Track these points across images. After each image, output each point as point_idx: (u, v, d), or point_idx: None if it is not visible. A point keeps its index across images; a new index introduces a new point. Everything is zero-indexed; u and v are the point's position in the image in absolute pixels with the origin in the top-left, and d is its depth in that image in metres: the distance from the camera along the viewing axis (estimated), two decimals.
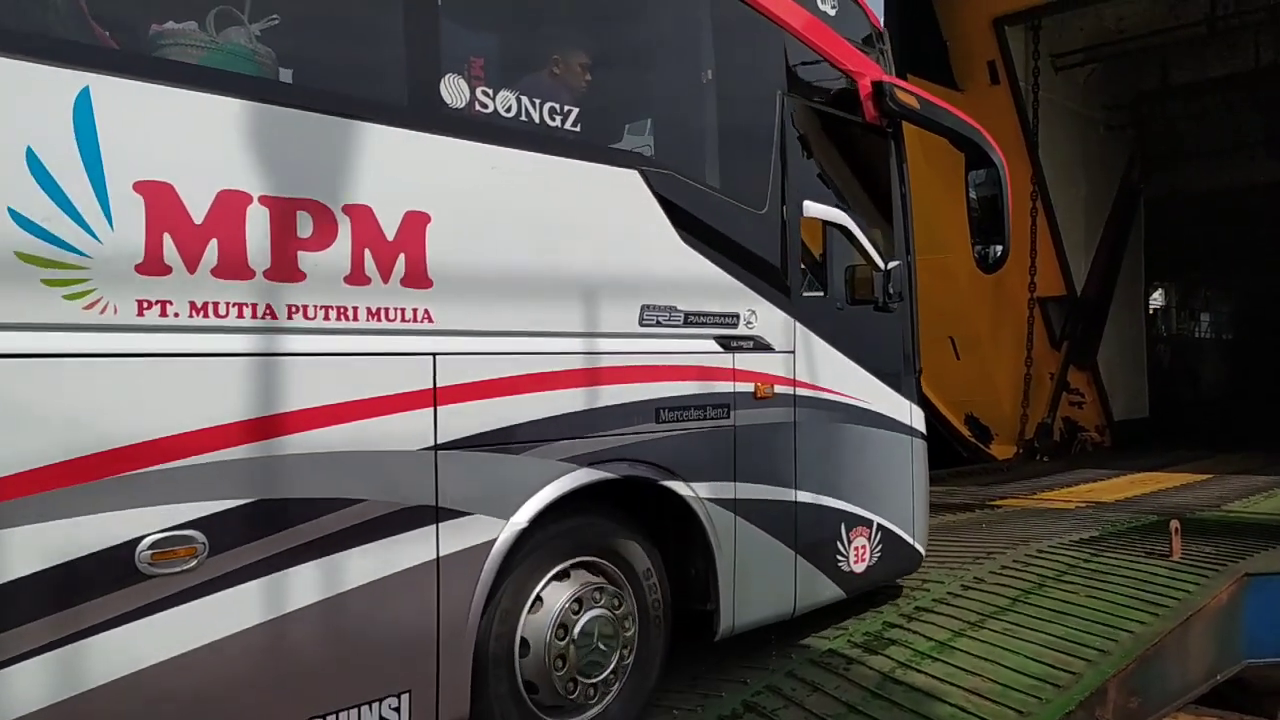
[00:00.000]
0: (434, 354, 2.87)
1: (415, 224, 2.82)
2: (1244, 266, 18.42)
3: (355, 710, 2.70)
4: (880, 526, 4.56)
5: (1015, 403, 11.39)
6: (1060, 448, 12.15)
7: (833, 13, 4.47)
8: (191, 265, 2.39)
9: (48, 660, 2.17)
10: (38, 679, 2.16)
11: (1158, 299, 20.15)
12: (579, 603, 3.31)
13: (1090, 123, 12.76)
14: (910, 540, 4.77)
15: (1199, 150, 14.30)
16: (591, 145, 3.39)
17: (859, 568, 4.45)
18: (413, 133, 2.86)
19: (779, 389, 4.02)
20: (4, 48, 2.15)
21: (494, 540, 3.01)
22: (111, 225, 2.27)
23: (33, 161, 2.16)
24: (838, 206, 4.38)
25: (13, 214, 2.13)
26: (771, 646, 4.05)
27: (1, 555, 2.12)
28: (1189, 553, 5.40)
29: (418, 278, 2.83)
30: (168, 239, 2.35)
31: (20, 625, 2.14)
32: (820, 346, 4.23)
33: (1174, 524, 5.51)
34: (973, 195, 5.08)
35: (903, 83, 4.68)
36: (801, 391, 4.14)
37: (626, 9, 3.69)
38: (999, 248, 5.06)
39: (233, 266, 2.46)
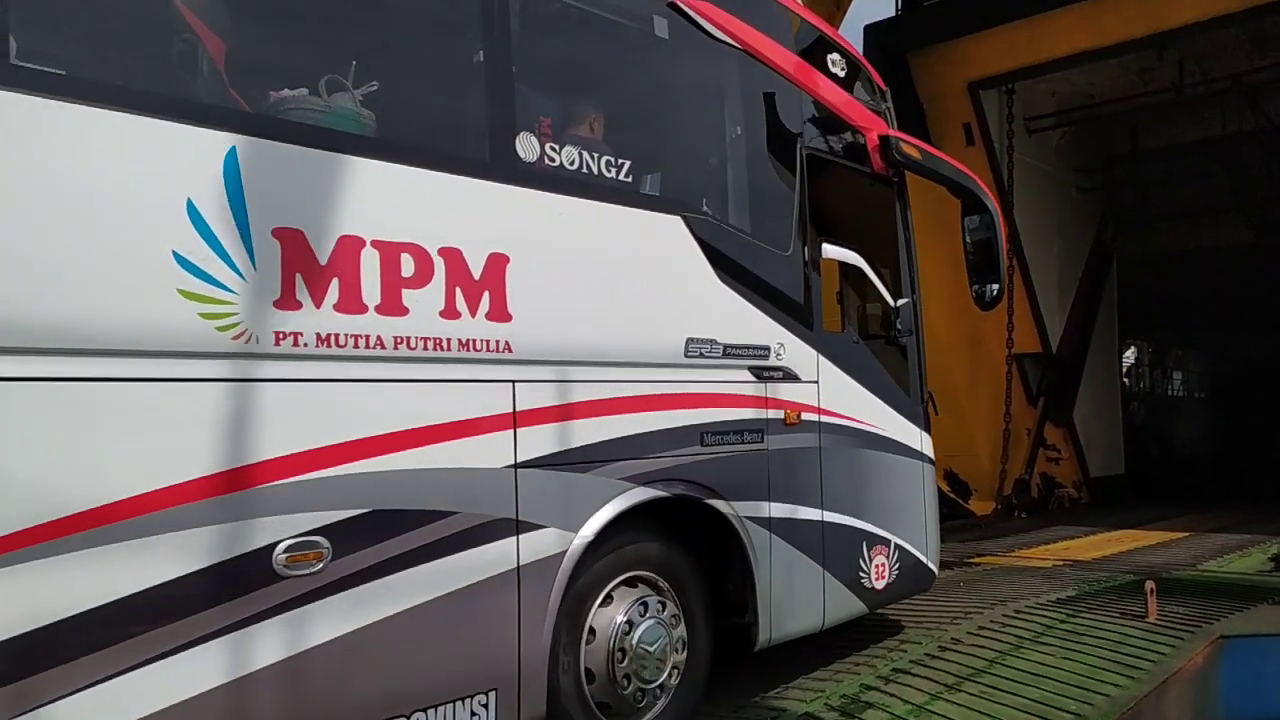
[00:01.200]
0: (514, 381, 3.19)
1: (497, 265, 3.16)
2: (1214, 326, 18.88)
3: (451, 706, 2.97)
4: (897, 546, 4.88)
5: (994, 459, 11.58)
6: (1038, 504, 12.24)
7: (842, 74, 4.90)
8: (318, 301, 2.71)
9: (205, 650, 2.43)
10: (194, 669, 2.42)
11: (1130, 356, 20.43)
12: (636, 612, 3.60)
13: (1063, 184, 13.18)
14: (924, 559, 5.09)
15: (1169, 212, 14.70)
16: (641, 194, 3.76)
17: (879, 584, 4.76)
18: (493, 184, 3.21)
19: (805, 416, 4.36)
20: (167, 113, 2.49)
21: (565, 551, 3.31)
22: (255, 266, 2.58)
23: (192, 211, 2.48)
24: (851, 248, 4.77)
25: (176, 256, 2.44)
26: (747, 711, 4.00)
27: (164, 556, 2.39)
28: (1165, 614, 5.37)
29: (500, 312, 3.16)
30: (299, 278, 2.67)
31: (178, 620, 2.41)
32: (840, 377, 4.58)
33: (1149, 584, 5.48)
34: (969, 239, 5.50)
35: (906, 136, 5.10)
36: (825, 418, 4.48)
37: (668, 74, 4.08)
38: (995, 286, 5.47)
39: (350, 302, 2.78)
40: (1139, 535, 9.06)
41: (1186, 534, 9.06)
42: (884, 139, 4.96)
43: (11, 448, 2.20)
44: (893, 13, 11.73)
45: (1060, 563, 7.61)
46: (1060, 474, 12.93)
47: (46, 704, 2.20)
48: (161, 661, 2.37)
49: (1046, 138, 12.53)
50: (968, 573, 7.36)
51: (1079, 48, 9.94)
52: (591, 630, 3.50)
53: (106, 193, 2.36)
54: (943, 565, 7.52)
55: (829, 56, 4.86)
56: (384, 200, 2.90)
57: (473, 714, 3.03)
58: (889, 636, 4.95)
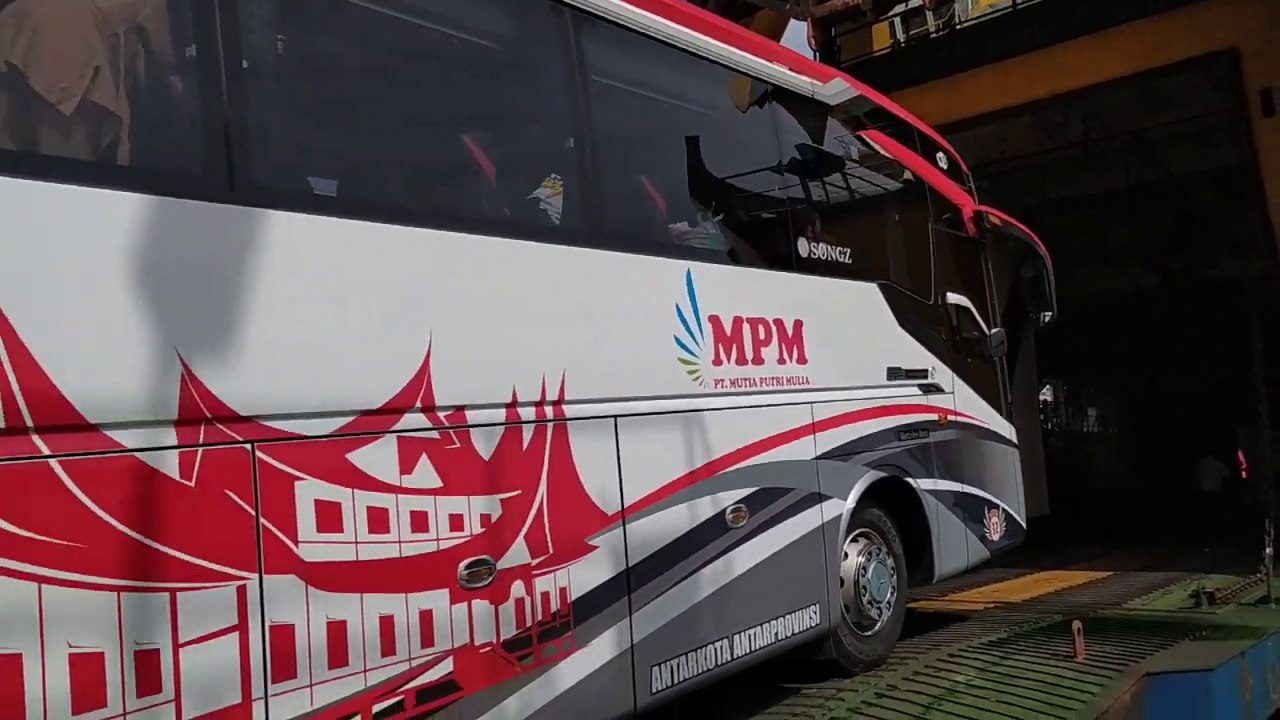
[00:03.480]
0: (811, 403, 4.89)
1: (798, 327, 4.86)
2: (1125, 364, 18.95)
3: (800, 611, 4.65)
4: (1004, 508, 6.68)
5: None
6: None
7: (946, 166, 6.72)
8: (726, 359, 4.38)
9: (684, 585, 4.04)
10: (679, 596, 4.04)
11: (1046, 394, 20.01)
12: (868, 555, 5.30)
13: None
14: (1018, 518, 6.90)
15: (1078, 259, 14.35)
16: (856, 269, 5.48)
17: (995, 536, 6.55)
18: (794, 274, 4.92)
19: (950, 417, 6.14)
20: (667, 253, 4.14)
21: (841, 514, 5.01)
22: (701, 341, 4.25)
23: (677, 311, 4.14)
24: (960, 294, 6.57)
25: (676, 340, 4.11)
26: None
27: (671, 523, 4.02)
28: (1092, 653, 5.46)
29: (801, 358, 4.86)
30: (719, 345, 4.34)
31: (672, 566, 4.02)
32: (965, 388, 6.37)
33: (1076, 625, 5.60)
34: (1025, 276, 7.35)
35: (989, 209, 6.93)
36: (959, 419, 6.26)
37: (861, 185, 5.83)
38: (1048, 314, 7.30)
39: (740, 357, 4.46)
40: (1066, 575, 9.03)
41: (1111, 573, 9.12)
42: (976, 212, 6.80)
43: (603, 465, 3.76)
44: None
45: (991, 605, 7.69)
46: None
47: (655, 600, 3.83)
48: (692, 577, 4.03)
49: None
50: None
51: (987, 108, 10.44)
52: (846, 556, 5.19)
53: (645, 307, 4.02)
54: None
55: (937, 154, 6.67)
56: (747, 291, 4.59)
57: (809, 616, 4.72)
58: (827, 683, 4.99)
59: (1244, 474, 11.40)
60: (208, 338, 2.58)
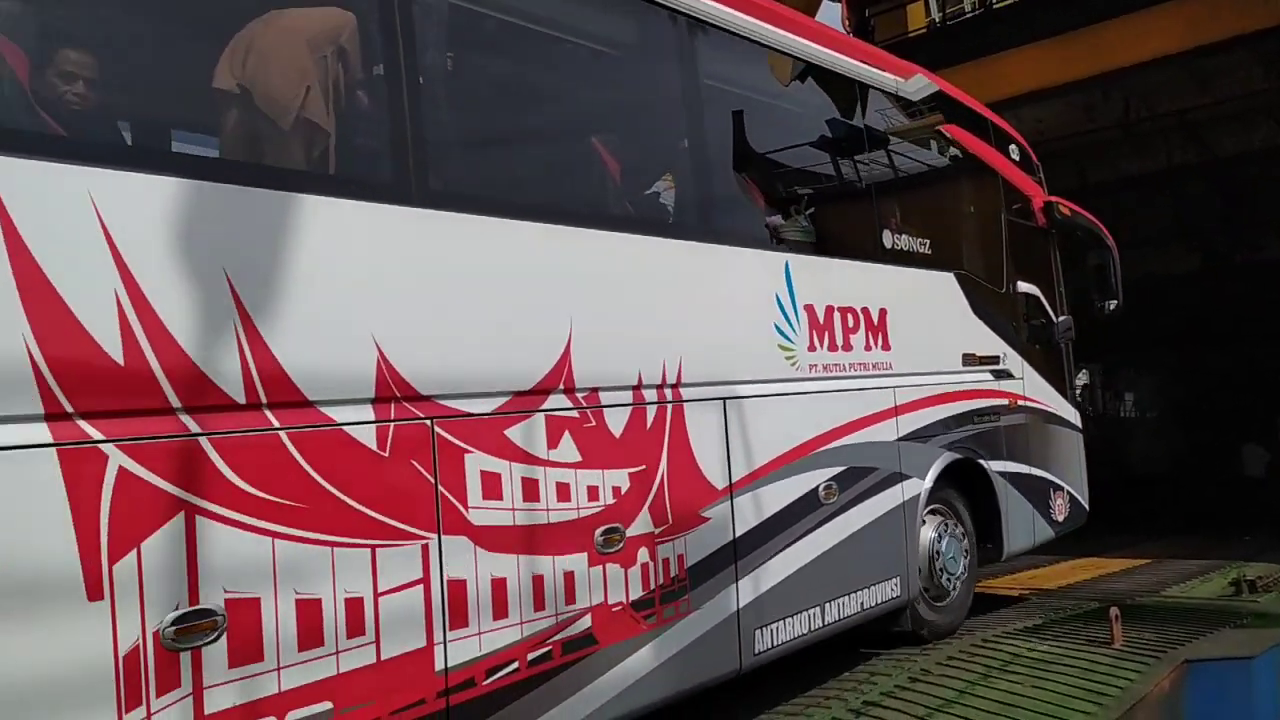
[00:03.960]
0: (894, 387, 5.16)
1: (883, 315, 5.12)
2: (1164, 346, 18.36)
3: (884, 582, 4.95)
4: (1069, 491, 6.91)
5: None
6: None
7: (1018, 158, 6.90)
8: (819, 346, 4.66)
9: (782, 556, 4.35)
10: (777, 566, 4.35)
11: (1083, 378, 19.83)
12: (942, 530, 5.58)
13: None
14: (1082, 501, 7.13)
15: (1118, 242, 14.35)
16: (936, 259, 5.71)
17: (1060, 518, 6.79)
18: (880, 265, 5.18)
19: (1019, 402, 6.37)
20: (771, 246, 4.43)
21: (920, 493, 5.29)
22: (797, 328, 4.54)
23: (777, 300, 4.43)
24: (1030, 282, 6.77)
25: (776, 327, 4.40)
26: None
27: (771, 499, 4.33)
28: (1130, 640, 5.44)
29: (886, 344, 5.13)
30: (813, 333, 4.63)
31: (772, 538, 4.34)
32: (1033, 373, 6.60)
33: (1114, 611, 5.56)
34: (1092, 265, 7.52)
35: (1059, 199, 7.11)
36: (1027, 403, 6.49)
37: (939, 178, 6.06)
38: (1113, 302, 7.47)
39: (831, 344, 4.74)
40: (1103, 563, 8.94)
41: (1149, 560, 9.03)
42: (1047, 203, 6.99)
43: (713, 443, 4.08)
44: None
45: (1026, 591, 7.62)
46: None
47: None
48: (789, 549, 4.34)
49: None
50: None
51: (1025, 88, 10.22)
52: (923, 529, 5.48)
53: (750, 297, 4.32)
54: None
55: (1010, 146, 6.85)
56: (837, 281, 4.86)
57: (890, 588, 5.02)
58: (859, 667, 4.98)
59: None
60: (396, 326, 2.92)
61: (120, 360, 2.33)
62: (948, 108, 6.13)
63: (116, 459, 2.30)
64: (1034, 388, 6.59)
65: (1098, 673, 4.86)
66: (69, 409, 2.24)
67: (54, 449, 2.22)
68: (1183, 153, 13.03)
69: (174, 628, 2.36)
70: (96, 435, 2.28)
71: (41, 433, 2.21)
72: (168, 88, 2.86)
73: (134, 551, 2.32)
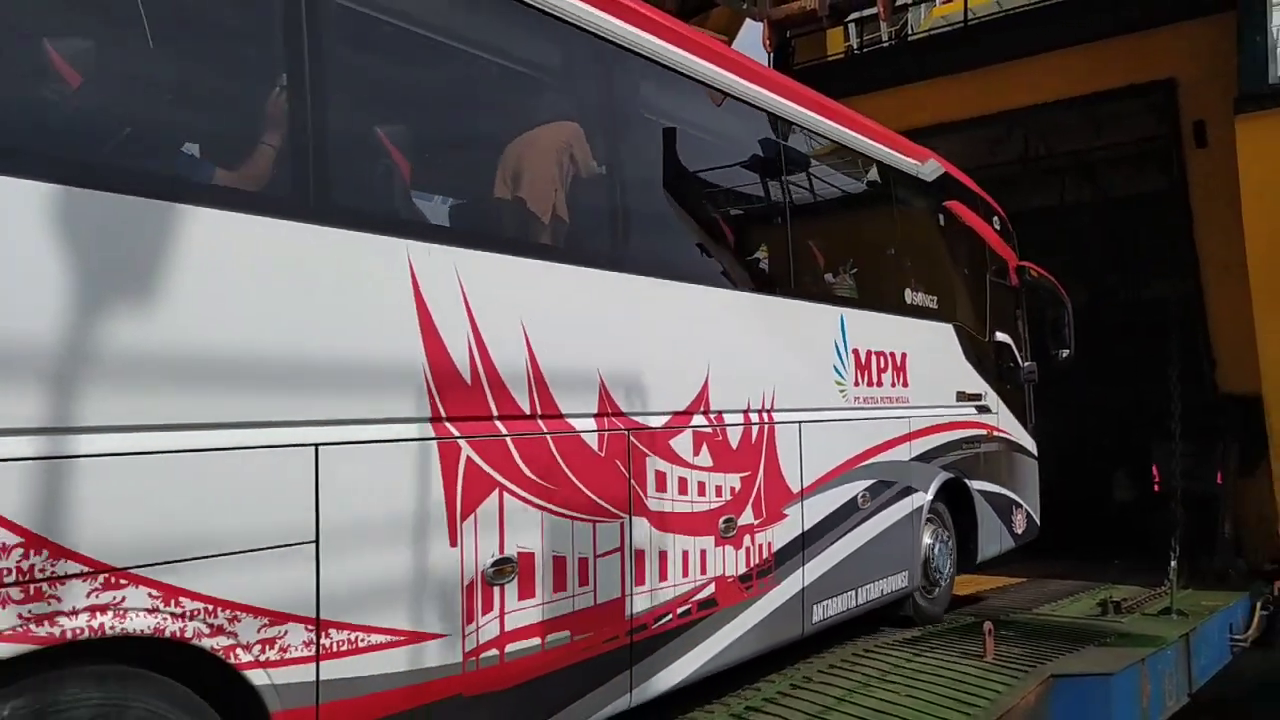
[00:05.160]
0: (909, 417, 6.37)
1: (904, 358, 6.34)
2: (1051, 379, 18.35)
3: (894, 575, 6.15)
4: (1026, 509, 8.24)
5: None
6: None
7: (999, 227, 8.23)
8: (861, 382, 5.84)
9: (832, 548, 5.49)
10: (829, 555, 5.50)
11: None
12: (933, 537, 6.81)
13: None
14: (1035, 518, 8.48)
15: None
16: (940, 312, 6.96)
17: (1019, 531, 8.11)
18: (901, 317, 6.39)
19: (994, 433, 7.67)
20: (834, 303, 5.58)
21: (923, 504, 6.52)
22: (847, 367, 5.70)
23: (834, 345, 5.59)
24: (1004, 332, 8.10)
25: (834, 367, 5.56)
26: None
27: (827, 502, 5.47)
28: (1001, 654, 5.71)
29: (905, 382, 6.34)
30: (858, 371, 5.80)
31: (827, 533, 5.48)
32: (1004, 409, 7.91)
33: (987, 626, 5.83)
34: (1050, 319, 8.90)
35: (1029, 264, 8.47)
36: (999, 434, 7.80)
37: (942, 245, 7.31)
38: (1065, 351, 8.85)
39: (870, 380, 5.92)
40: (982, 580, 9.09)
41: (1025, 580, 9.35)
42: (1019, 266, 8.34)
43: (792, 456, 5.21)
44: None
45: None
46: None
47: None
48: (837, 542, 5.49)
49: None
50: None
51: (933, 120, 10.41)
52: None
53: (817, 342, 5.47)
54: None
55: (993, 218, 8.18)
56: (873, 330, 6.05)
57: (901, 579, 6.22)
58: (747, 674, 5.10)
59: (1156, 488, 11.60)
60: (610, 361, 3.98)
61: (469, 381, 3.35)
62: (951, 186, 7.41)
63: (466, 450, 3.32)
64: (1005, 421, 7.91)
65: (969, 684, 5.10)
66: (443, 414, 3.26)
67: (432, 443, 3.23)
68: (1077, 191, 13.43)
69: (492, 568, 3.38)
70: (456, 433, 3.29)
71: (421, 430, 3.22)
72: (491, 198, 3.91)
73: (473, 515, 3.33)
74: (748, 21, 11.26)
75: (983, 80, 10.38)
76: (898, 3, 11.68)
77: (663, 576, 4.20)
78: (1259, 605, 8.27)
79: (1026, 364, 8.36)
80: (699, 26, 7.99)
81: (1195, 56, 9.18)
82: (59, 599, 2.30)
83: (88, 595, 2.34)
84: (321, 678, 2.84)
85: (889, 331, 6.24)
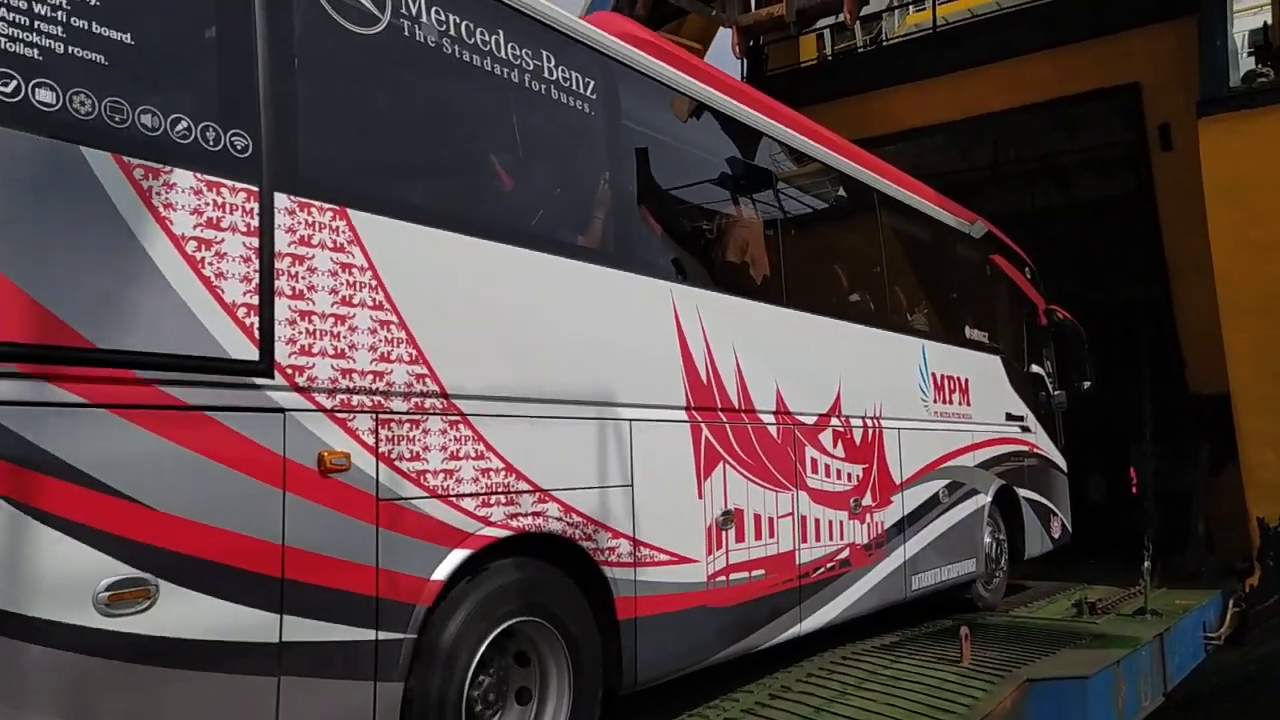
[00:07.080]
0: (972, 430, 7.72)
1: (967, 382, 7.71)
2: None
3: (965, 560, 7.44)
4: (1060, 517, 9.56)
5: None
6: None
7: (1029, 276, 9.69)
8: (938, 400, 7.19)
9: (923, 531, 6.78)
10: (922, 537, 6.81)
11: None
12: (992, 534, 8.10)
13: None
14: (1069, 525, 9.78)
15: None
16: (990, 347, 8.36)
17: (1056, 535, 9.41)
18: (967, 350, 7.78)
19: (1035, 450, 9.03)
20: (923, 337, 6.98)
21: (985, 504, 7.83)
22: (928, 387, 7.07)
23: (919, 369, 6.97)
24: (1036, 364, 9.49)
25: (919, 386, 6.92)
26: None
27: (919, 495, 6.78)
28: (978, 658, 5.73)
29: (968, 402, 7.70)
30: (936, 391, 7.16)
31: (919, 519, 6.79)
32: (1040, 430, 9.27)
33: (964, 630, 5.89)
34: (1070, 353, 10.30)
35: (1056, 306, 9.90)
36: (1037, 450, 9.15)
37: (989, 290, 8.74)
38: (1087, 382, 10.25)
39: (944, 399, 7.28)
40: None
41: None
42: (1047, 309, 9.78)
43: (895, 455, 6.54)
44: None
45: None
46: None
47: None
48: (926, 528, 6.81)
49: None
50: None
51: (905, 126, 10.68)
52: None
53: (909, 367, 6.84)
54: None
55: (1025, 268, 9.64)
56: (946, 358, 7.42)
57: (970, 565, 7.51)
58: (726, 684, 5.14)
59: (1134, 489, 12.22)
60: (781, 377, 5.34)
61: (705, 383, 4.71)
62: (995, 243, 8.87)
63: (704, 431, 4.67)
64: (1042, 440, 9.27)
65: (946, 690, 5.12)
66: (692, 404, 4.61)
67: (687, 425, 4.58)
68: (1047, 196, 13.42)
69: (721, 516, 4.70)
70: (699, 419, 4.64)
71: (682, 415, 4.57)
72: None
73: (709, 478, 4.67)
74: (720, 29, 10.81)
75: (954, 85, 10.49)
76: (863, 11, 11.24)
77: (817, 538, 5.52)
78: (1231, 603, 8.61)
79: (1057, 392, 9.75)
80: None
81: (1158, 61, 9.41)
82: (518, 505, 3.63)
83: (532, 504, 3.68)
84: (638, 578, 4.15)
85: (955, 360, 7.63)
